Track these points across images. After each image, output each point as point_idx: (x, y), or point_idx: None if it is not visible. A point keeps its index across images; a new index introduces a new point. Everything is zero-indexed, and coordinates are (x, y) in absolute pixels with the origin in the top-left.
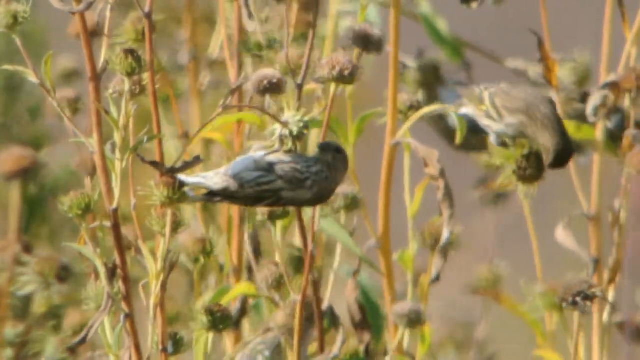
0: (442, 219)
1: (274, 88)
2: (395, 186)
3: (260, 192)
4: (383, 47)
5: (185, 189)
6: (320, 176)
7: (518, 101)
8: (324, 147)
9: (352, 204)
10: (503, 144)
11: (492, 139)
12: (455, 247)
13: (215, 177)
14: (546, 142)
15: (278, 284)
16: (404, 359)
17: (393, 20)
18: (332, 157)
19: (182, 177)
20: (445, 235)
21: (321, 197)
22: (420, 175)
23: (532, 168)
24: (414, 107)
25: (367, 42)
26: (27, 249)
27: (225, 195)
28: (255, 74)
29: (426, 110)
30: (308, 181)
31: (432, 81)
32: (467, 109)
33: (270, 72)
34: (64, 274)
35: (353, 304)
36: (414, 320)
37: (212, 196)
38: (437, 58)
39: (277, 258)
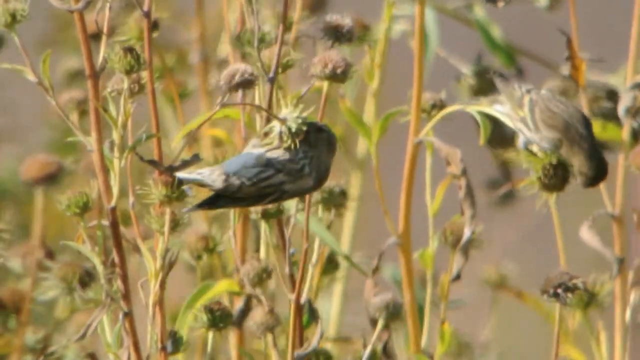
0: (463, 218)
1: (245, 83)
2: (415, 184)
3: (262, 188)
4: (354, 38)
5: (184, 187)
6: (310, 159)
7: (557, 118)
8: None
9: (330, 199)
10: (529, 149)
11: (520, 142)
12: (477, 246)
13: (212, 175)
14: (580, 166)
15: (259, 279)
16: (423, 358)
17: (418, 18)
18: (315, 137)
19: (179, 174)
20: (466, 234)
21: (321, 180)
22: (441, 174)
23: (558, 178)
24: (437, 106)
25: (337, 34)
26: (50, 254)
27: (227, 196)
28: (227, 69)
29: (449, 109)
30: (305, 169)
31: (487, 88)
32: (503, 107)
33: (242, 66)
34: (87, 279)
35: (371, 303)
36: (394, 313)
37: (215, 201)
38: (492, 64)
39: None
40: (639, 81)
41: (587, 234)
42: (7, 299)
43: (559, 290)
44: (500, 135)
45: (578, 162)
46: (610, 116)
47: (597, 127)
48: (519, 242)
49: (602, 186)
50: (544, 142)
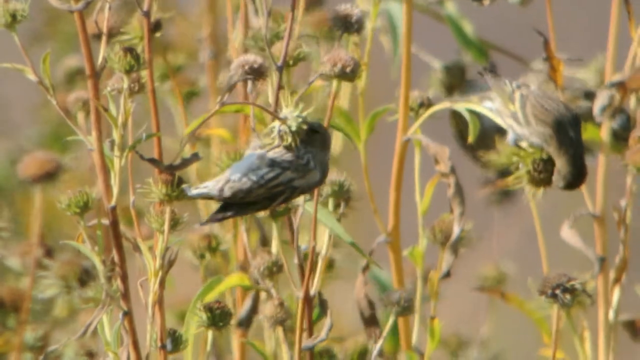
0: (452, 215)
1: (255, 73)
2: (405, 183)
3: (271, 188)
4: (363, 28)
5: (184, 186)
6: (313, 151)
7: (549, 114)
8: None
9: (340, 192)
10: (518, 145)
11: (509, 138)
12: (466, 244)
13: (217, 185)
14: (561, 169)
15: (270, 273)
16: (413, 355)
17: (405, 16)
18: (308, 138)
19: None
20: (455, 232)
21: (324, 173)
22: (431, 172)
23: (547, 172)
24: (425, 104)
25: (347, 24)
26: (49, 252)
27: (236, 203)
28: (236, 60)
29: (437, 107)
30: (310, 163)
31: (458, 83)
32: (492, 104)
33: (251, 57)
34: (86, 278)
35: (362, 299)
36: (405, 308)
37: (224, 211)
38: (463, 60)
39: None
40: (617, 80)
41: (567, 233)
42: (6, 298)
43: (557, 292)
44: (481, 136)
45: (561, 165)
46: (588, 116)
47: None
48: (513, 241)
49: (583, 186)
50: (534, 137)
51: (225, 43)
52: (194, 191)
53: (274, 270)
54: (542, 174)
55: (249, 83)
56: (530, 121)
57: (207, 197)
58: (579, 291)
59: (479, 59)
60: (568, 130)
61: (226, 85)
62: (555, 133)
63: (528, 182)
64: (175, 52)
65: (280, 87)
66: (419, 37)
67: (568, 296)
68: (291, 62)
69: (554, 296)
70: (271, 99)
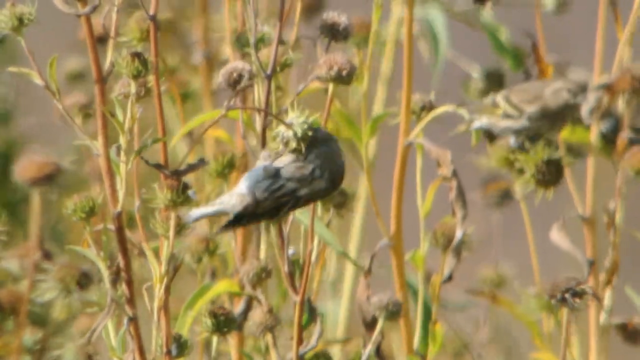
0: (454, 219)
1: (244, 80)
2: (407, 186)
3: (276, 199)
4: (350, 36)
5: (189, 191)
6: (322, 160)
7: (531, 91)
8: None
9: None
10: (522, 147)
11: (511, 142)
12: (468, 247)
13: (232, 200)
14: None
15: (258, 279)
16: (414, 359)
17: (406, 19)
18: (320, 141)
19: (200, 210)
20: (458, 235)
21: (335, 180)
22: (433, 175)
23: (552, 174)
24: (427, 107)
25: (334, 32)
26: (48, 255)
27: (247, 216)
28: (225, 67)
29: (439, 111)
30: (316, 172)
31: (497, 90)
32: (481, 122)
33: (240, 64)
34: (85, 281)
35: (364, 303)
36: (394, 312)
37: (236, 222)
38: (501, 67)
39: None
40: (604, 82)
41: (557, 236)
42: (4, 301)
43: (567, 296)
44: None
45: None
46: (579, 120)
47: (565, 130)
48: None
49: (572, 187)
50: (530, 122)
51: (218, 44)
52: (210, 209)
53: (263, 276)
54: (547, 176)
55: (239, 90)
56: (522, 107)
57: (223, 213)
58: (589, 295)
59: (515, 67)
60: (553, 95)
61: (223, 90)
62: (543, 103)
63: (537, 186)
64: (171, 54)
65: (269, 93)
66: (455, 45)
67: (578, 300)
68: (278, 69)
69: (563, 300)
70: (258, 105)
